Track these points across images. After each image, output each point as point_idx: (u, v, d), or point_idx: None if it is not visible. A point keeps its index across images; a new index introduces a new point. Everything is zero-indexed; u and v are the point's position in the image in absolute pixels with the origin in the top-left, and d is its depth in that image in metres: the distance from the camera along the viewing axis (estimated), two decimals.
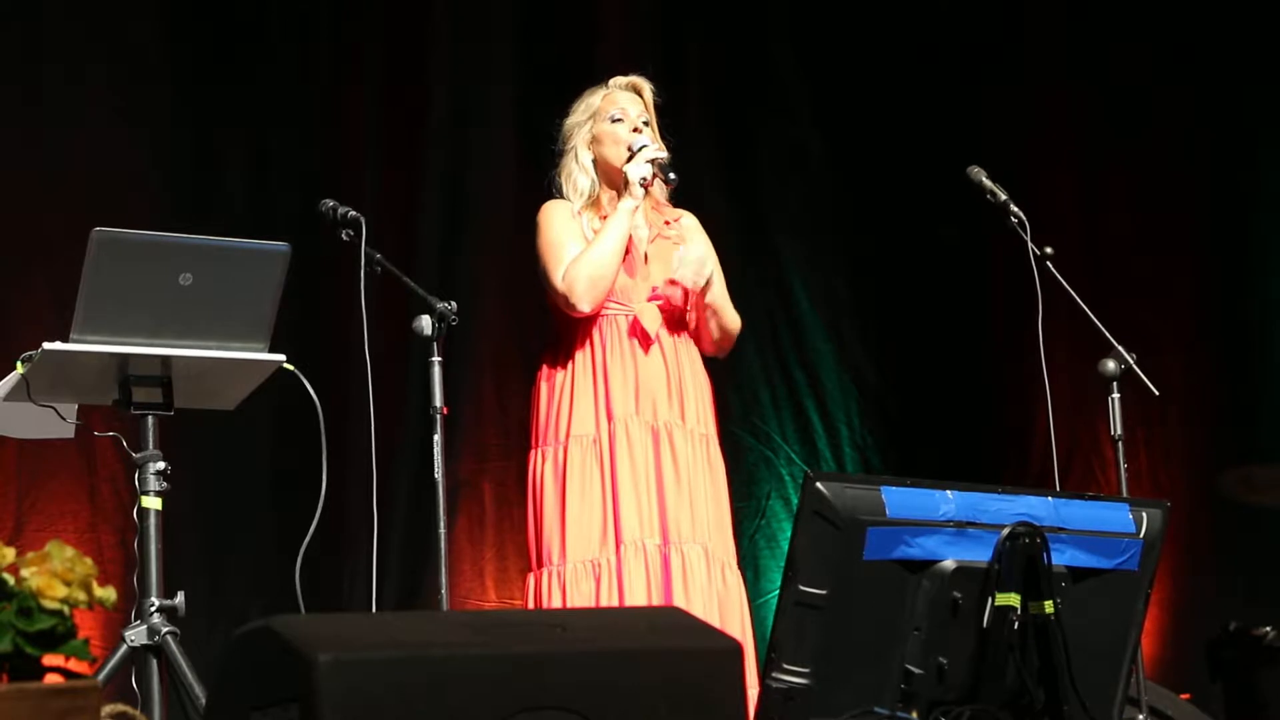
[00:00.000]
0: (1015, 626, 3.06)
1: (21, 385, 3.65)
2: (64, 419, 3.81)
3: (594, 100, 4.45)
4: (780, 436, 6.35)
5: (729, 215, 6.09)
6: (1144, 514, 3.25)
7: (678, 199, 4.51)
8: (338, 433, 4.10)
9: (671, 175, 4.32)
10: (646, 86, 4.47)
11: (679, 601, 4.08)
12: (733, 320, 4.41)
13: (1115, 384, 4.35)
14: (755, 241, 6.34)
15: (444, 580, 3.91)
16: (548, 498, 4.25)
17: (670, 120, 4.52)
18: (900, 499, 3.03)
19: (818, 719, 2.94)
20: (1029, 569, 3.08)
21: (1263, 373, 6.40)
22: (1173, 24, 6.51)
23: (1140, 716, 4.12)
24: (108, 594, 2.40)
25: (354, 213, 4.03)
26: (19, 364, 3.64)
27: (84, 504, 5.20)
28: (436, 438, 3.95)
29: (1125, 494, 4.22)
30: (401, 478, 5.56)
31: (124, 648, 3.66)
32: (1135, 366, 4.35)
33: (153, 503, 3.71)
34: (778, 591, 3.00)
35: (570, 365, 4.31)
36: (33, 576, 2.34)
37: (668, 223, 4.44)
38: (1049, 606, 3.08)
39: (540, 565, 4.24)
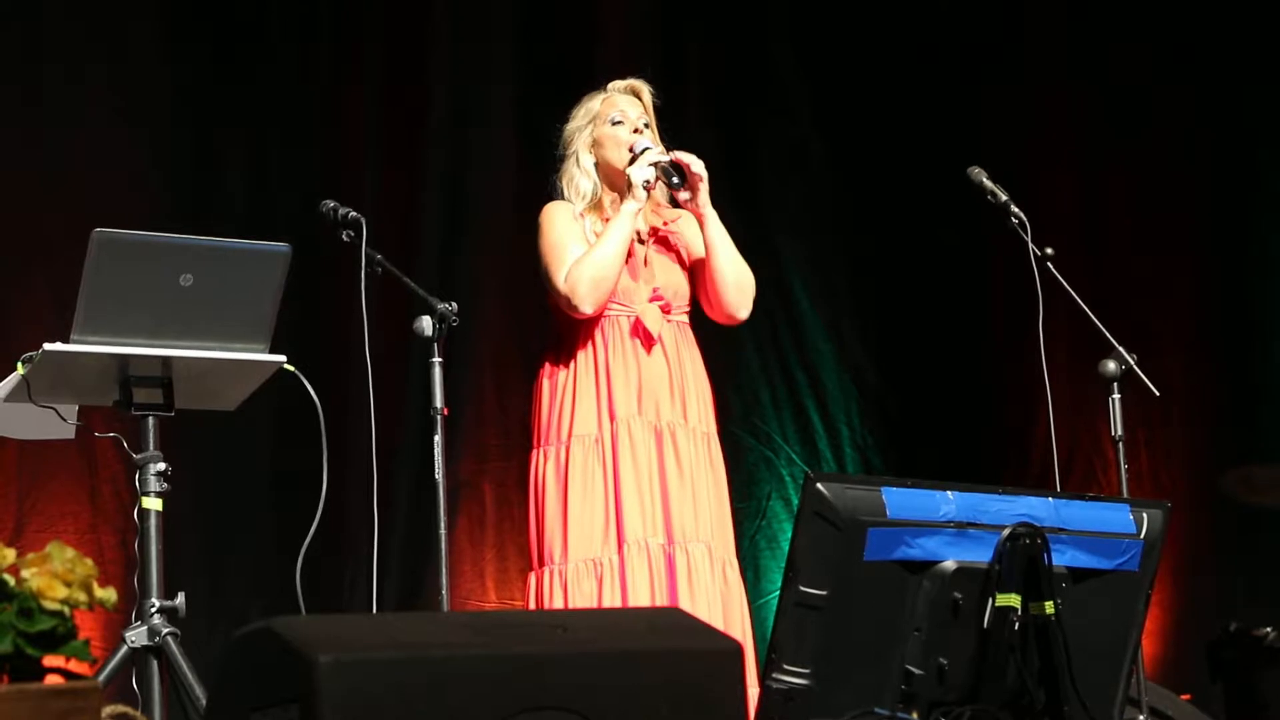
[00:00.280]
0: (1016, 627, 3.06)
1: (22, 386, 3.65)
2: (64, 420, 3.81)
3: (593, 104, 4.45)
4: (781, 437, 6.35)
5: (729, 215, 6.07)
6: (1144, 515, 3.25)
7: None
8: (338, 433, 4.11)
9: (674, 180, 4.32)
10: (645, 89, 4.47)
11: (683, 600, 4.09)
12: (741, 265, 4.39)
13: (1116, 384, 4.35)
14: (755, 241, 6.32)
15: (444, 581, 3.91)
16: (549, 497, 4.25)
17: (670, 121, 4.51)
18: (901, 500, 3.03)
19: (818, 719, 2.94)
20: (1029, 569, 3.08)
21: (1263, 373, 6.39)
22: (1173, 24, 6.51)
23: (1141, 717, 4.12)
24: (108, 595, 2.40)
25: (354, 213, 4.03)
26: (19, 365, 3.64)
27: (84, 505, 5.20)
28: (437, 438, 3.95)
29: (1126, 494, 4.22)
30: (402, 478, 5.56)
31: (124, 648, 3.66)
32: (1136, 367, 4.35)
33: (153, 503, 3.71)
34: (778, 592, 3.00)
35: (572, 366, 4.30)
36: (33, 577, 2.34)
37: (666, 223, 4.44)
38: (1049, 607, 3.08)
39: (542, 564, 4.24)
